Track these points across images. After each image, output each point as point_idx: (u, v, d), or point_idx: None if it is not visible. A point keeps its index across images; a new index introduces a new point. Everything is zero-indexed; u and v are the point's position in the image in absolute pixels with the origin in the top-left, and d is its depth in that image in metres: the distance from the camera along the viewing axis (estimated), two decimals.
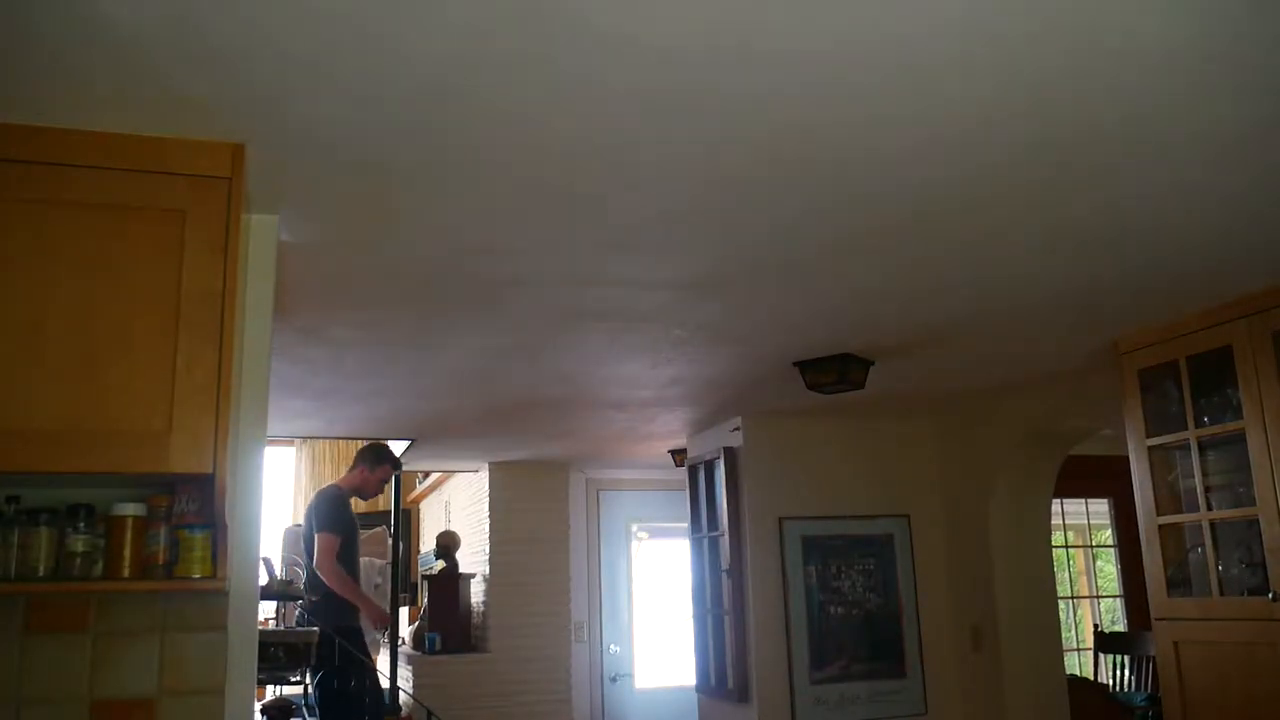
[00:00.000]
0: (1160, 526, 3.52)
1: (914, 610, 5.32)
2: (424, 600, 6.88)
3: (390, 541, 6.95)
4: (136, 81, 1.75)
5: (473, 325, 3.39)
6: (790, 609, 5.13)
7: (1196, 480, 3.38)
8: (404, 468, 6.86)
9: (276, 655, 5.46)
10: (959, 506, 5.35)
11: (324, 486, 5.24)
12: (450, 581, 6.78)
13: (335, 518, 4.77)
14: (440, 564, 6.84)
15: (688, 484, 5.82)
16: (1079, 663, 7.10)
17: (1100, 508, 7.38)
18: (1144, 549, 3.58)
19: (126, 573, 1.98)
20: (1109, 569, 7.68)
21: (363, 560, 7.43)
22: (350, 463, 5.30)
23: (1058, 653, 5.13)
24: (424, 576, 7.13)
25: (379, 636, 7.27)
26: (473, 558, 7.02)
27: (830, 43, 1.70)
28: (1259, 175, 2.31)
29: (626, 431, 5.70)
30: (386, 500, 7.81)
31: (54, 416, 1.82)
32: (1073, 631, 7.31)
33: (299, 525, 8.29)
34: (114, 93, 1.79)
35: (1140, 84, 1.87)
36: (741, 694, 5.11)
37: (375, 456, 5.07)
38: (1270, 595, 3.06)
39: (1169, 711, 3.46)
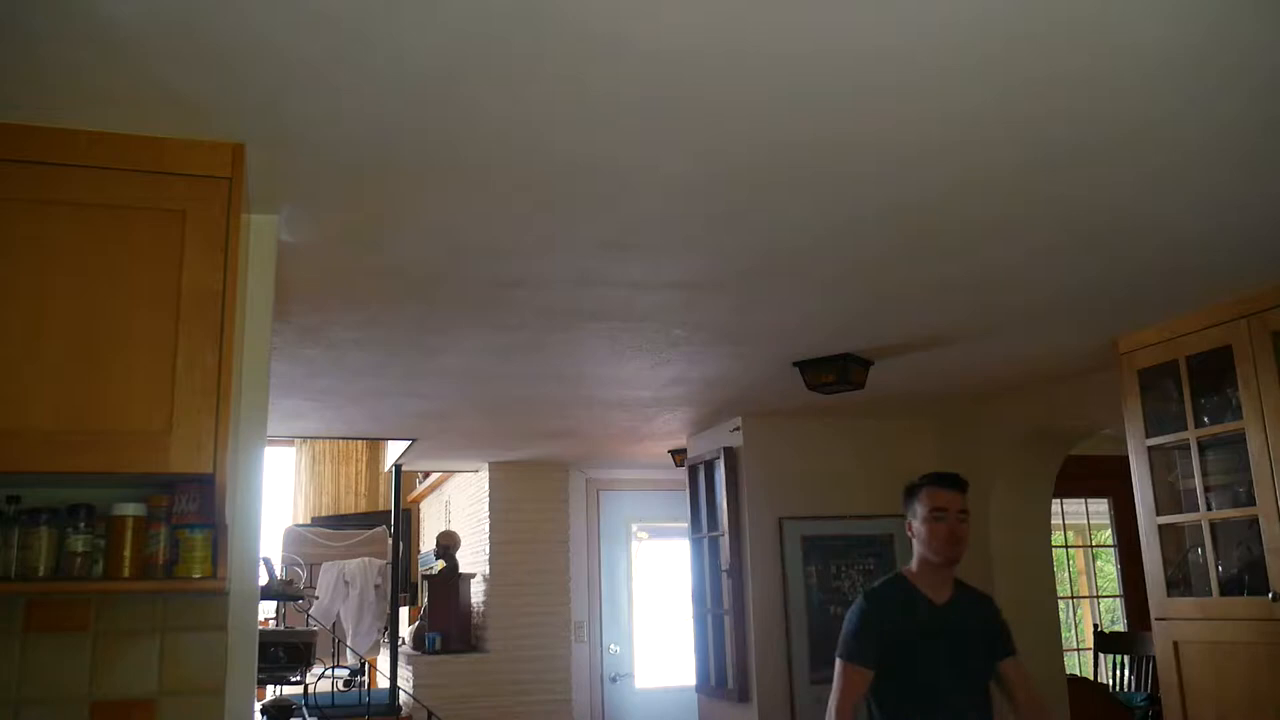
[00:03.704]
0: (1160, 526, 3.52)
1: None
2: (424, 600, 6.88)
3: (390, 541, 6.95)
4: (136, 81, 1.75)
5: (473, 325, 3.39)
6: (790, 609, 5.13)
7: (1196, 480, 3.38)
8: (405, 467, 6.88)
9: (276, 655, 5.48)
10: None
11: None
12: (450, 581, 6.78)
13: (853, 634, 2.90)
14: (440, 564, 6.84)
15: (688, 484, 5.82)
16: (1079, 663, 7.10)
17: (1100, 508, 7.38)
18: (1144, 549, 3.57)
19: (126, 573, 1.97)
20: (1109, 569, 7.68)
21: (363, 560, 7.48)
22: (353, 463, 5.27)
23: (1058, 653, 5.13)
24: (424, 576, 7.13)
25: (380, 638, 7.28)
26: (473, 558, 7.03)
27: (831, 46, 1.70)
28: (1259, 175, 2.31)
29: (626, 431, 5.70)
30: (386, 500, 7.82)
31: (54, 416, 1.82)
32: (1073, 631, 7.31)
33: (299, 525, 8.33)
34: (114, 93, 1.79)
35: (1141, 86, 1.87)
36: (741, 694, 5.11)
37: (905, 499, 3.05)
38: (1270, 595, 3.06)
39: (1169, 711, 3.45)
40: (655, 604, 7.44)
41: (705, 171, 2.21)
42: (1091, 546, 7.71)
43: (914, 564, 2.98)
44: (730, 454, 5.32)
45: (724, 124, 1.98)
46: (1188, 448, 3.42)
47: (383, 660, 6.86)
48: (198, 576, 1.98)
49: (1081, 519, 7.51)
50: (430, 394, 4.48)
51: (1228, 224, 2.62)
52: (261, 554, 2.31)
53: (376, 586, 7.37)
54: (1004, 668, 2.95)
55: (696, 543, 5.71)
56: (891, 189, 2.33)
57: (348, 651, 6.96)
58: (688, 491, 5.81)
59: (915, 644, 2.86)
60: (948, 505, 2.90)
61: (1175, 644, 3.43)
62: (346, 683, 6.64)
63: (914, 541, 2.97)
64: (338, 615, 7.24)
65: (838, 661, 2.90)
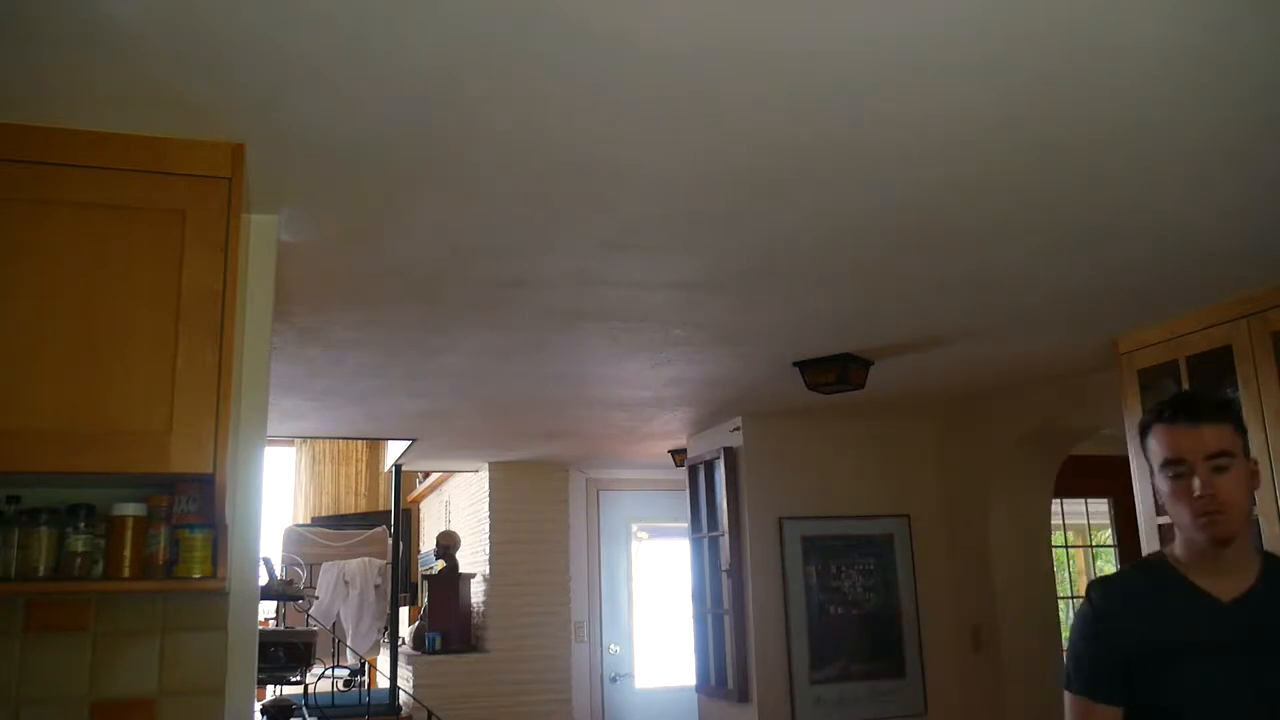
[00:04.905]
0: (1160, 526, 3.51)
1: (914, 610, 5.32)
2: (424, 600, 6.89)
3: (390, 541, 6.95)
4: (136, 81, 1.75)
5: (473, 325, 3.39)
6: (790, 609, 5.13)
7: None
8: (405, 467, 6.87)
9: (276, 655, 5.48)
10: (959, 506, 5.34)
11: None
12: (450, 581, 6.78)
13: (1082, 655, 2.03)
14: (440, 564, 6.84)
15: (688, 484, 5.82)
16: None
17: (1100, 508, 7.37)
18: (1144, 549, 3.57)
19: (126, 573, 1.98)
20: (1109, 569, 7.68)
21: (363, 560, 7.48)
22: (353, 463, 5.25)
23: (1058, 653, 5.12)
24: (424, 576, 7.13)
25: (380, 637, 7.28)
26: (473, 558, 7.03)
27: (831, 46, 1.70)
28: (1259, 175, 2.31)
29: (626, 431, 5.70)
30: (386, 500, 7.82)
31: (54, 416, 1.82)
32: None
33: (299, 525, 8.33)
34: (114, 93, 1.79)
35: (1141, 85, 1.87)
36: (741, 694, 5.11)
37: (1139, 443, 1.98)
38: None
39: None
40: (655, 604, 7.44)
41: (705, 171, 2.21)
42: (1091, 546, 7.71)
43: (1178, 544, 1.91)
44: (730, 454, 5.32)
45: (724, 124, 1.98)
46: None
47: (383, 660, 6.86)
48: (198, 576, 1.98)
49: (1081, 519, 7.50)
50: (430, 394, 4.48)
51: (1228, 224, 2.62)
52: (261, 554, 2.31)
53: (376, 586, 7.37)
54: None
55: (696, 543, 5.71)
56: (891, 189, 2.33)
57: (348, 651, 6.96)
58: (688, 491, 5.81)
59: (1186, 666, 1.83)
60: (1186, 454, 1.81)
61: None
62: (346, 683, 6.64)
63: (1159, 502, 1.99)
64: (338, 615, 7.24)
65: (1067, 697, 2.01)
